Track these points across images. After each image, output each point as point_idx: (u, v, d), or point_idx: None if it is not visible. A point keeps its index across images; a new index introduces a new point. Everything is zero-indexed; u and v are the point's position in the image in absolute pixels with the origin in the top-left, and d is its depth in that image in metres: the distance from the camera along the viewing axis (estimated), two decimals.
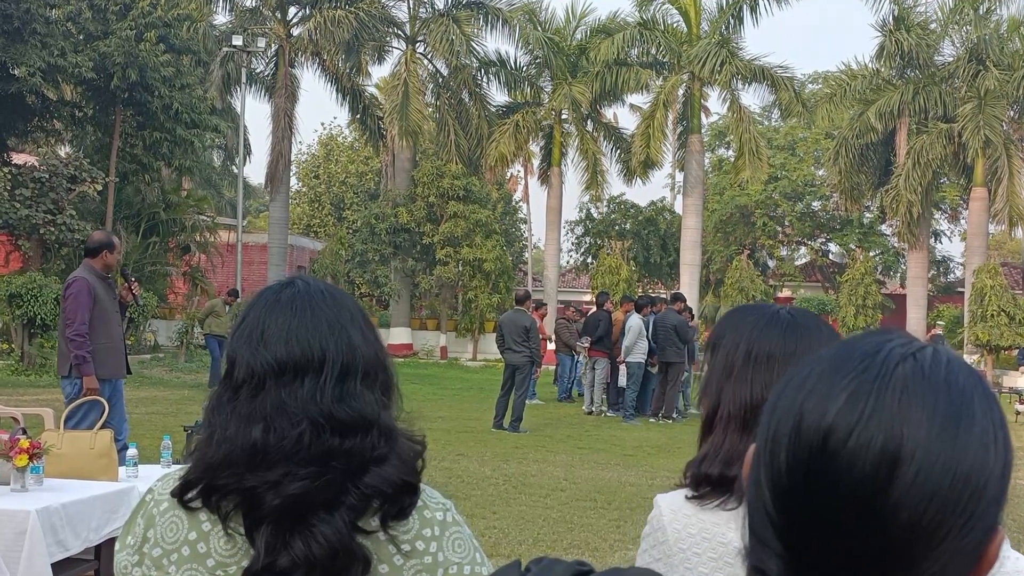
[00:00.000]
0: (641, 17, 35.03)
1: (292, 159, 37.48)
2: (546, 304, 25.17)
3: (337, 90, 36.51)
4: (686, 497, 1.82)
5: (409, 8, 36.25)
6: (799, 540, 0.89)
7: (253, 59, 33.99)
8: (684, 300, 19.28)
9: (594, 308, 19.56)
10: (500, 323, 16.17)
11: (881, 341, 0.93)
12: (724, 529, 1.75)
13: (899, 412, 0.87)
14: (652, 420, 17.72)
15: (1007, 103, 33.98)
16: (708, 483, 1.79)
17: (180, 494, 1.67)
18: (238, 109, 35.41)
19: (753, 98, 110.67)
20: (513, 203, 51.98)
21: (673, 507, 1.84)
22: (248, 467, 1.60)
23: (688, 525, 1.80)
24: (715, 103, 48.97)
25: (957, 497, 0.84)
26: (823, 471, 0.87)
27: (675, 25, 35.56)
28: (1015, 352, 32.75)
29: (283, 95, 34.60)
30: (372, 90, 39.44)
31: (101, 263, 8.27)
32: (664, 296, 20.02)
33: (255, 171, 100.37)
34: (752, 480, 0.94)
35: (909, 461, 0.85)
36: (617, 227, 42.35)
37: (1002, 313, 31.62)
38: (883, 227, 43.35)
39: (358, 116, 37.60)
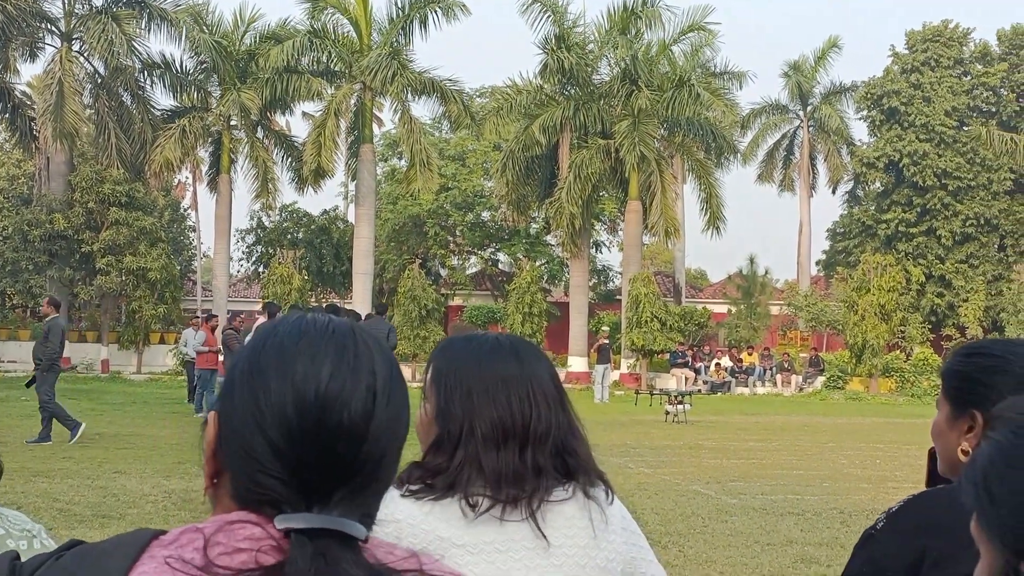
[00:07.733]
0: (312, 25, 34.80)
1: None
2: (216, 316, 24.49)
3: None
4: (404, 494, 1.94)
5: (64, 3, 34.27)
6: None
7: None
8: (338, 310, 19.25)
9: (263, 318, 19.17)
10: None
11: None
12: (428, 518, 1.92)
13: None
14: None
15: (658, 122, 36.26)
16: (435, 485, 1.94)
17: None
18: None
19: (424, 109, 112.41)
20: (181, 210, 50.47)
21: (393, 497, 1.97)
22: None
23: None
24: (388, 113, 49.29)
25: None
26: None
27: (347, 34, 35.59)
28: (667, 356, 35.01)
29: None
30: (24, 88, 37.18)
31: None
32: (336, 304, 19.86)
33: None
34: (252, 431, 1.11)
35: None
36: (289, 236, 41.87)
37: (655, 319, 33.65)
38: (548, 237, 45.00)
39: (7, 116, 35.17)
